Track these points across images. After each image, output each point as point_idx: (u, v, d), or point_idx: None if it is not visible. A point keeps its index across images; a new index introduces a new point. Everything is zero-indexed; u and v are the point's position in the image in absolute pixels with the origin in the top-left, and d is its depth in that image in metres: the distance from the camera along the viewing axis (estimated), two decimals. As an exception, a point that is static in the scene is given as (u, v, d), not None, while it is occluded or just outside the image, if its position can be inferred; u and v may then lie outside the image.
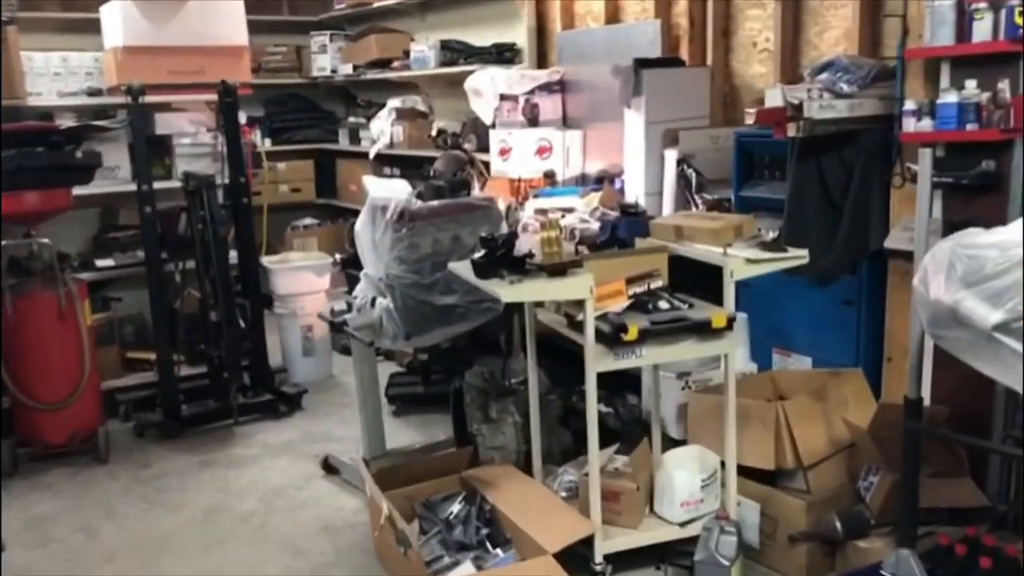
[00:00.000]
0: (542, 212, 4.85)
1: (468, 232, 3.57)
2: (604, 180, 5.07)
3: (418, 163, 6.60)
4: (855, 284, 3.34)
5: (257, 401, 4.66)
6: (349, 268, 6.11)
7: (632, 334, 2.69)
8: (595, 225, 4.31)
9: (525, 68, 5.59)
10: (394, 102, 6.66)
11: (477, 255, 2.80)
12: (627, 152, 4.53)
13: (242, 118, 4.84)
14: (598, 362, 2.74)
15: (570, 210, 4.76)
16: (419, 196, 3.55)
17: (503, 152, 5.40)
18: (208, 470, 4.09)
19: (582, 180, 5.33)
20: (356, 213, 6.75)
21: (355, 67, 6.92)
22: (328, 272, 5.19)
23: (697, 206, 4.16)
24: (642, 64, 4.34)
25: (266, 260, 5.29)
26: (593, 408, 2.78)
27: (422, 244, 3.45)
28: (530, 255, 2.75)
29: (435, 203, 3.51)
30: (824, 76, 3.21)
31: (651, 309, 2.86)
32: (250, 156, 5.03)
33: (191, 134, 4.84)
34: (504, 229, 3.69)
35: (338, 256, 6.08)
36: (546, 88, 5.39)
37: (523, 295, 2.78)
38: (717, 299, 2.90)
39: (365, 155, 6.82)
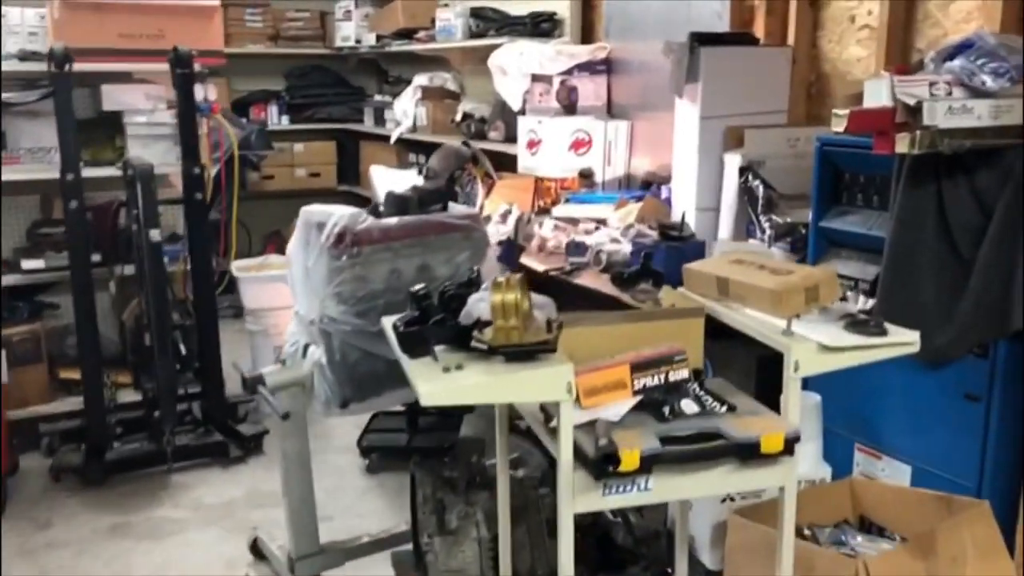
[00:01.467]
0: (569, 222, 3.87)
1: (442, 260, 2.64)
2: (651, 186, 4.06)
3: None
4: (984, 372, 2.27)
5: (204, 443, 3.80)
6: None
7: (629, 463, 1.71)
8: (626, 247, 3.31)
9: (565, 43, 4.58)
10: (420, 79, 5.72)
11: (403, 317, 1.84)
12: (676, 154, 3.51)
13: (210, 92, 3.95)
14: (578, 499, 1.76)
15: (602, 223, 3.78)
16: (374, 212, 2.61)
17: (531, 144, 4.42)
18: (115, 541, 3.24)
19: (626, 183, 4.32)
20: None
21: (379, 37, 6.00)
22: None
23: (763, 230, 3.13)
24: (701, 40, 3.31)
25: (237, 266, 4.42)
26: (568, 568, 1.80)
27: (372, 277, 2.52)
28: (480, 324, 1.78)
29: (393, 221, 2.57)
30: (957, 64, 2.14)
31: (668, 414, 1.87)
32: (220, 139, 4.14)
33: (147, 111, 3.98)
34: (491, 260, 2.73)
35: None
36: (588, 68, 4.39)
37: (453, 396, 1.80)
38: (770, 383, 1.92)
39: (389, 139, 5.91)
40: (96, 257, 3.76)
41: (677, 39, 3.38)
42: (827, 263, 2.68)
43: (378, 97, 6.47)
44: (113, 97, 3.93)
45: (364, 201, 6.73)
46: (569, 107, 4.38)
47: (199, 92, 3.92)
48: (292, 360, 2.64)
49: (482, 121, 4.97)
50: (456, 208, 2.75)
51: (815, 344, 1.85)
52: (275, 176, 6.49)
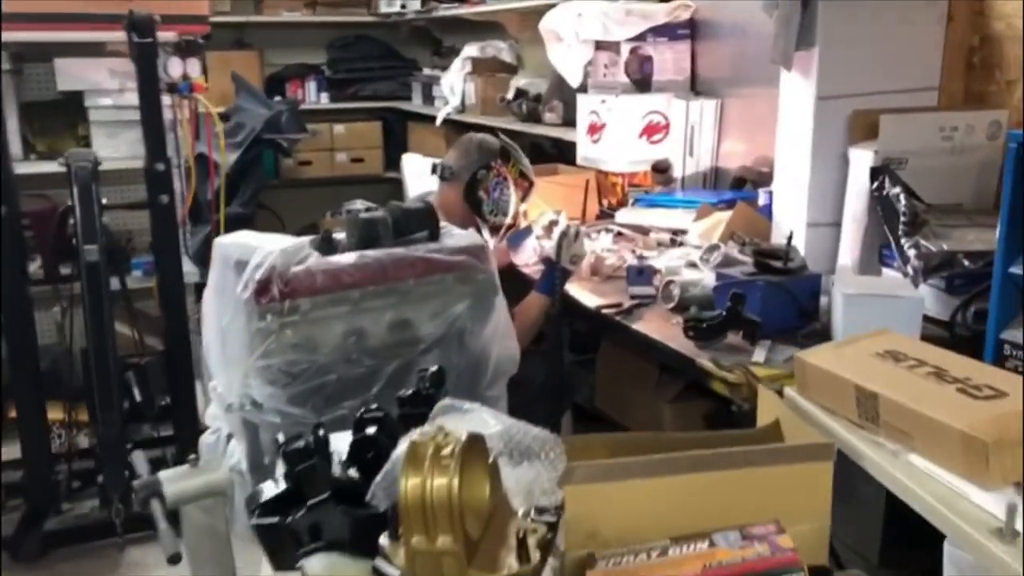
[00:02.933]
0: (636, 231, 2.98)
1: (427, 314, 1.79)
2: (745, 186, 3.13)
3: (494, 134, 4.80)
4: None
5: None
6: None
7: None
8: (708, 278, 2.41)
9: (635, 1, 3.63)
10: (470, 49, 4.85)
11: (266, 495, 0.99)
12: (781, 147, 2.57)
13: (191, 67, 3.18)
14: None
15: (678, 236, 2.88)
16: (325, 244, 1.76)
17: (593, 129, 3.52)
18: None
19: (713, 181, 3.40)
20: None
21: (425, 0, 5.14)
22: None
23: (905, 259, 2.17)
24: (818, -10, 2.36)
25: None
26: None
27: (316, 342, 1.71)
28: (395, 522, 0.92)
29: (347, 260, 1.72)
30: None
31: None
32: (199, 125, 3.37)
33: (112, 91, 3.22)
34: (498, 311, 1.86)
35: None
36: (666, 32, 3.46)
37: None
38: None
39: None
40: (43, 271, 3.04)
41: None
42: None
43: (428, 71, 5.62)
44: (69, 73, 3.18)
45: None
46: (642, 82, 3.46)
47: (176, 67, 3.15)
48: (212, 454, 1.83)
49: (537, 100, 4.08)
50: (454, 234, 1.88)
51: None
52: (313, 162, 5.73)
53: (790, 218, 2.52)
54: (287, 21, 5.64)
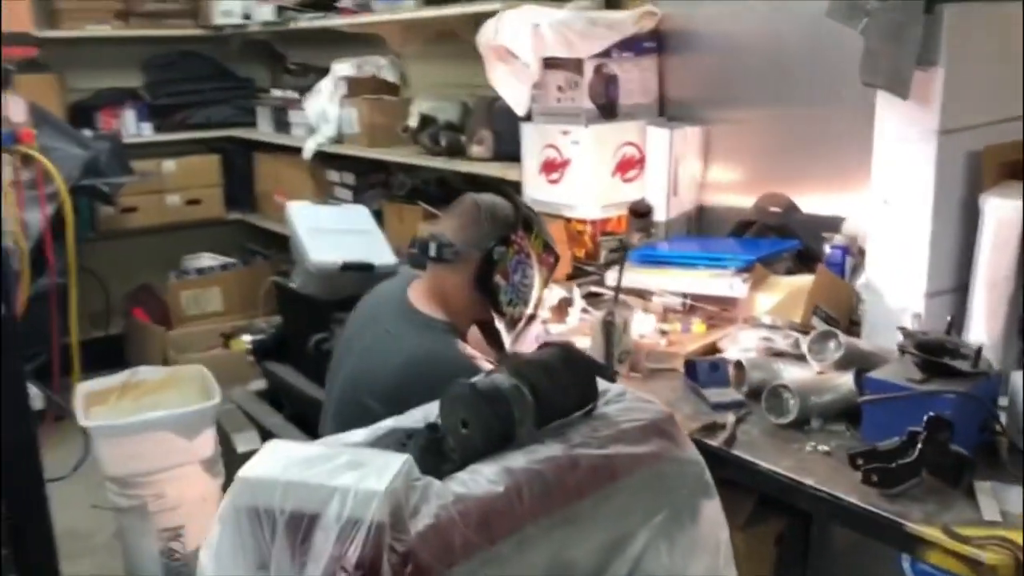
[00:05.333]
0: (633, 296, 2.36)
1: (595, 546, 1.05)
2: (756, 232, 2.57)
3: (385, 169, 4.04)
4: None
5: None
6: (267, 359, 3.61)
7: None
8: (836, 381, 1.80)
9: (584, 5, 2.98)
10: (342, 67, 4.04)
11: None
12: (876, 196, 1.99)
13: (16, 109, 2.22)
14: None
15: (729, 306, 2.27)
16: (430, 451, 0.98)
17: (550, 167, 2.85)
18: None
19: (697, 225, 2.82)
20: (284, 241, 4.28)
21: (281, 9, 4.26)
22: (209, 423, 2.59)
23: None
24: (938, -8, 1.81)
25: (85, 394, 2.63)
26: None
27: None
28: None
29: (491, 487, 0.95)
30: None
31: None
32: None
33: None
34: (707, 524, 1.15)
35: (248, 339, 3.56)
36: (631, 46, 2.84)
37: None
38: None
39: (298, 151, 4.22)
40: None
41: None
42: None
43: (277, 92, 4.73)
44: None
45: (263, 236, 4.98)
46: (607, 107, 2.83)
47: (-7, 109, 2.19)
48: None
49: (452, 128, 3.35)
50: (622, 398, 1.15)
51: None
52: (139, 208, 4.69)
53: (895, 286, 1.96)
54: (93, 36, 4.56)
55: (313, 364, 2.97)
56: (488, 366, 1.80)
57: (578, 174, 2.77)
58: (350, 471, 0.87)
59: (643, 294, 2.48)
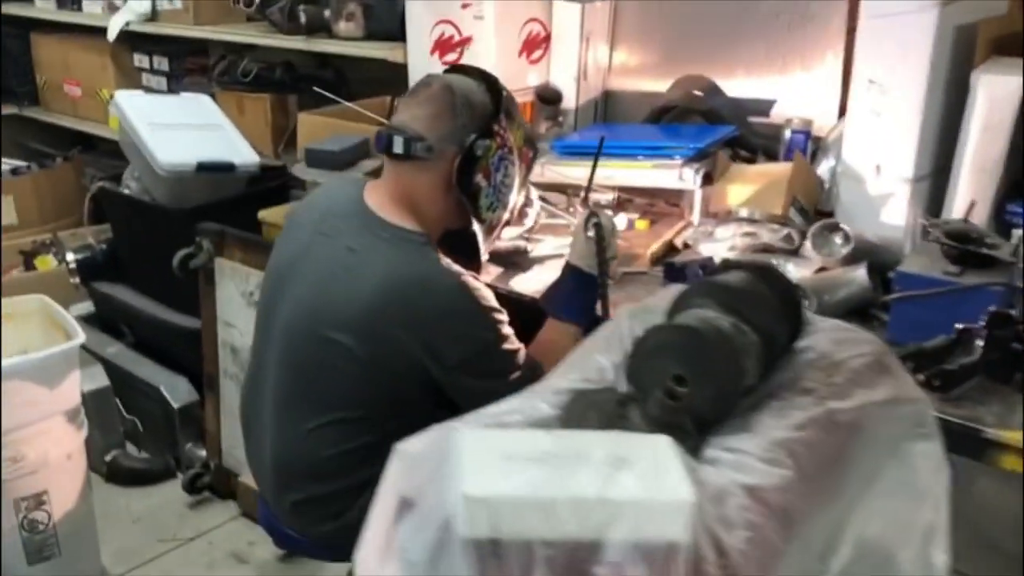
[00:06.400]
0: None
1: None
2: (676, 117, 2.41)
3: (205, 51, 3.51)
4: None
5: None
6: (97, 280, 3.14)
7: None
8: (842, 276, 1.69)
9: None
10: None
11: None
12: (858, 77, 1.85)
13: None
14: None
15: (675, 199, 2.12)
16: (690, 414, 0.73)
17: (445, 47, 2.53)
18: None
19: (603, 111, 2.62)
20: (86, 138, 3.77)
21: None
22: (74, 365, 2.13)
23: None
24: None
25: None
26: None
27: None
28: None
29: (779, 476, 0.71)
30: None
31: None
32: None
33: None
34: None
35: (72, 257, 3.05)
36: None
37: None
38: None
39: (95, 31, 3.58)
40: None
41: None
42: None
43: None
44: None
45: (52, 131, 4.19)
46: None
47: None
48: None
49: (314, 2, 2.90)
50: (819, 327, 0.92)
51: None
52: None
53: (874, 170, 1.85)
54: None
55: (172, 284, 2.55)
56: (478, 284, 1.53)
57: (482, 55, 2.46)
58: (616, 471, 0.60)
59: (565, 189, 2.26)
